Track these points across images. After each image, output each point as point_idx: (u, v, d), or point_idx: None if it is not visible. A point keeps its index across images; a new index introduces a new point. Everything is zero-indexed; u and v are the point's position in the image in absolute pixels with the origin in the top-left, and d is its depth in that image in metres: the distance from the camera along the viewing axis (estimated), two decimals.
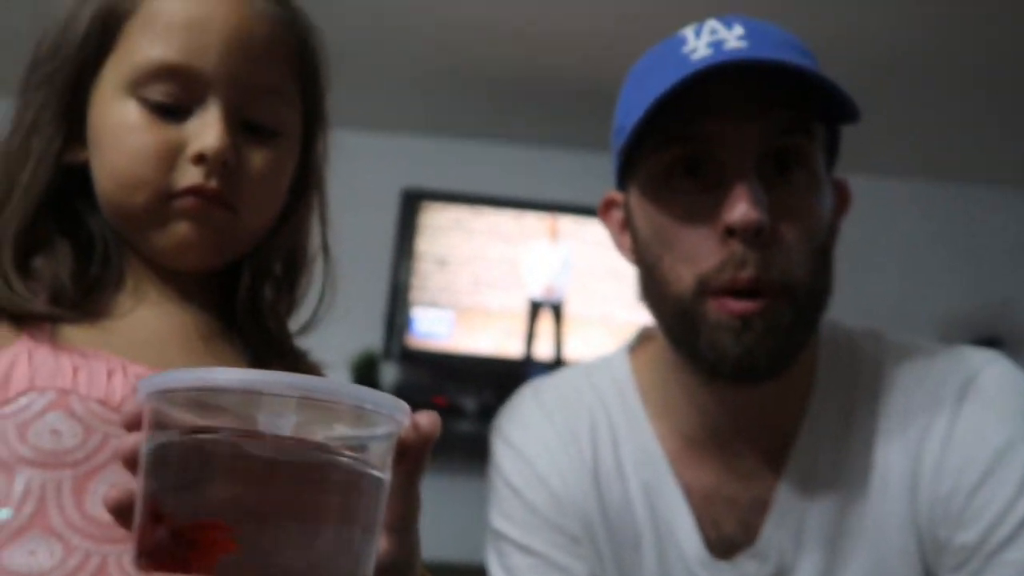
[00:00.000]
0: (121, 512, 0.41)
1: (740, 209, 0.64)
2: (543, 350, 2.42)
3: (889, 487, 0.72)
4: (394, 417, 0.39)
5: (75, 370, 0.56)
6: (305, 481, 0.37)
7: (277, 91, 0.63)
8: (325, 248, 0.72)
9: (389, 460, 0.40)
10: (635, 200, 0.74)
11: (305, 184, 0.69)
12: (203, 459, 0.36)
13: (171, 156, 0.60)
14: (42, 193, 0.61)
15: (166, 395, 0.37)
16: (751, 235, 0.65)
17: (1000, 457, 0.68)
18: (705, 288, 0.67)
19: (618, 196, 0.78)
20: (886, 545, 0.71)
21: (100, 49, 0.61)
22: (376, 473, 0.39)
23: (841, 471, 0.73)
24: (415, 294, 2.45)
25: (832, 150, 0.74)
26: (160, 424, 0.38)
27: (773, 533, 0.73)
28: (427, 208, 2.49)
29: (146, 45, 0.60)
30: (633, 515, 0.76)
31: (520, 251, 2.50)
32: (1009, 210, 2.65)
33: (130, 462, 0.40)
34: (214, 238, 0.62)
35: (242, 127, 0.62)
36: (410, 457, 0.43)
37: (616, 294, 2.40)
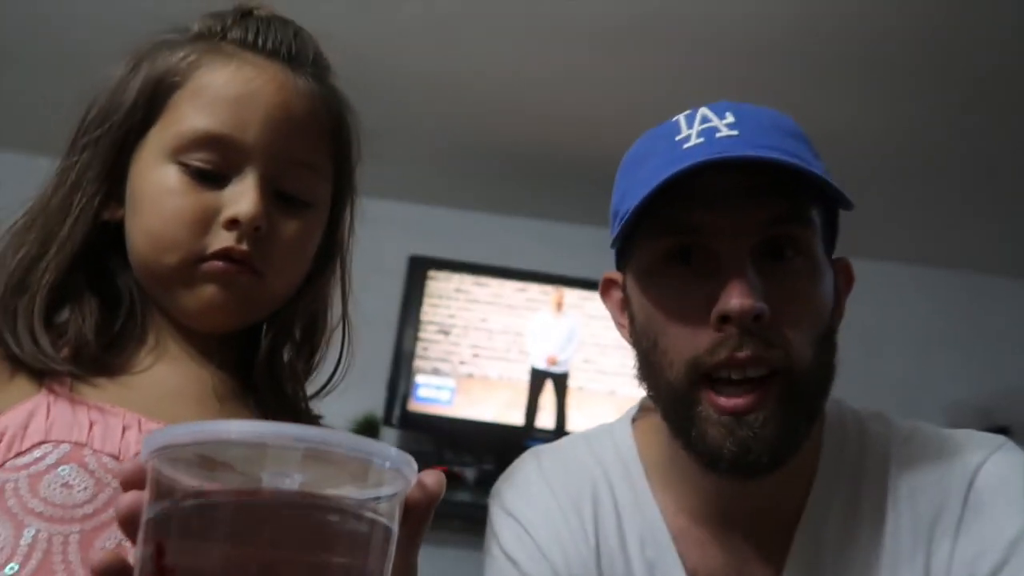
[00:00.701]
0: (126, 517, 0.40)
1: (736, 298, 0.64)
2: (545, 421, 2.40)
3: (900, 570, 0.70)
4: (402, 473, 0.38)
5: (91, 424, 0.57)
6: (311, 542, 0.36)
7: (311, 165, 0.66)
8: (345, 315, 0.73)
9: (397, 517, 0.39)
10: (631, 284, 0.74)
11: (330, 252, 0.72)
12: (206, 523, 0.35)
13: (206, 220, 0.62)
14: (78, 248, 0.63)
15: (169, 451, 0.36)
16: (748, 321, 0.64)
17: (1014, 547, 0.67)
18: (698, 371, 0.66)
19: (617, 276, 0.78)
20: None
21: (147, 116, 0.64)
22: (385, 524, 0.38)
23: (847, 556, 0.71)
24: (419, 361, 2.44)
25: (831, 231, 0.74)
26: (162, 484, 0.36)
27: None
28: (434, 276, 2.50)
29: (192, 115, 0.63)
30: None
31: (524, 322, 2.50)
32: (1016, 300, 2.65)
33: (127, 522, 0.39)
34: (239, 301, 0.64)
35: (275, 197, 0.64)
36: (414, 517, 0.42)
37: (621, 368, 2.39)
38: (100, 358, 0.61)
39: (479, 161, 2.39)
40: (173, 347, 0.65)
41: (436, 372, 2.44)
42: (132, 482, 0.39)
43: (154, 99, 0.64)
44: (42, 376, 0.59)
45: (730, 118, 0.69)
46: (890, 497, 0.72)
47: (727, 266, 0.66)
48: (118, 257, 0.66)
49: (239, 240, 0.62)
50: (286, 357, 0.70)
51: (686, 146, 0.68)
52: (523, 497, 0.78)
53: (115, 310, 0.65)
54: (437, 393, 2.42)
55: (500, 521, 0.78)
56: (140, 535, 0.37)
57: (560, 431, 2.33)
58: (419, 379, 2.43)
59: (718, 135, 0.68)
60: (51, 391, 0.58)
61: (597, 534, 0.75)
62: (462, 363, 2.46)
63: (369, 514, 0.37)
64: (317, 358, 0.72)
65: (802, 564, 0.72)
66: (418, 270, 2.50)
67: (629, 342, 0.76)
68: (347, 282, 0.74)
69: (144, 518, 0.37)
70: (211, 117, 0.62)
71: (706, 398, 0.66)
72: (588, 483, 0.78)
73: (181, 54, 0.65)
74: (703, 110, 0.71)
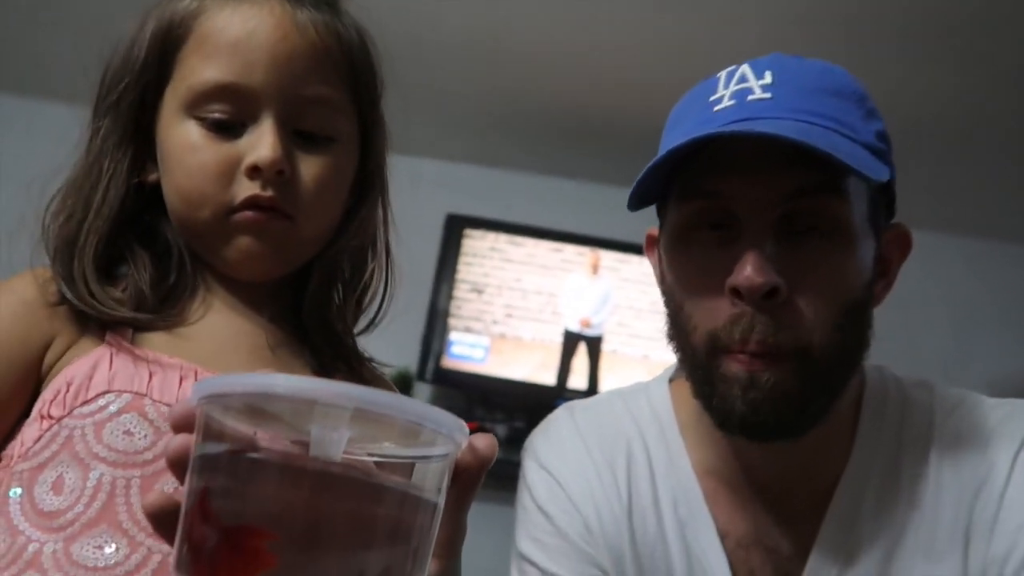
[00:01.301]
0: (159, 518, 0.41)
1: (746, 272, 0.63)
2: (577, 383, 2.41)
3: (938, 542, 0.69)
4: (452, 437, 0.38)
5: (151, 375, 0.59)
6: (355, 503, 0.35)
7: (326, 100, 0.65)
8: (387, 249, 0.73)
9: (445, 483, 0.39)
10: (663, 246, 0.74)
11: (367, 186, 0.71)
12: (251, 473, 0.36)
13: (230, 171, 0.62)
14: (116, 211, 0.64)
15: (220, 399, 0.37)
16: (758, 298, 0.64)
17: None
18: (716, 345, 0.66)
19: (658, 233, 0.78)
20: None
21: (160, 74, 0.64)
22: (429, 497, 0.37)
23: (886, 522, 0.71)
24: (452, 319, 2.46)
25: (883, 197, 0.71)
26: (211, 431, 0.37)
27: None
28: (470, 235, 2.51)
29: (199, 67, 0.62)
30: (667, 552, 0.74)
31: (559, 283, 2.50)
32: None
33: (175, 463, 0.40)
34: (275, 249, 0.64)
35: (295, 137, 0.64)
36: (464, 480, 0.42)
37: (655, 333, 2.38)
38: (157, 310, 0.63)
39: (518, 121, 2.37)
40: (223, 299, 0.66)
41: (469, 330, 2.46)
42: (182, 425, 0.40)
43: (164, 55, 0.64)
44: (105, 330, 0.61)
45: (768, 78, 0.67)
46: (932, 466, 0.71)
47: (746, 237, 0.65)
48: (164, 215, 0.67)
49: (264, 187, 0.62)
50: (336, 299, 0.70)
51: (716, 108, 0.67)
52: (557, 451, 0.79)
53: (167, 265, 0.66)
54: (471, 351, 2.44)
55: (533, 474, 0.79)
56: (188, 477, 0.38)
57: (592, 393, 2.34)
58: (453, 336, 2.45)
59: (750, 98, 0.66)
60: (113, 344, 0.60)
61: (630, 491, 0.76)
62: (495, 322, 2.48)
63: (416, 480, 0.37)
64: (368, 294, 0.72)
65: (837, 531, 0.71)
66: (455, 228, 2.50)
67: (665, 305, 0.76)
68: (387, 213, 0.74)
69: (192, 461, 0.38)
70: (216, 67, 0.62)
71: (726, 359, 0.66)
72: (623, 440, 0.78)
73: (184, 2, 0.64)
74: (744, 67, 0.69)
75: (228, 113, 0.62)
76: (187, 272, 0.66)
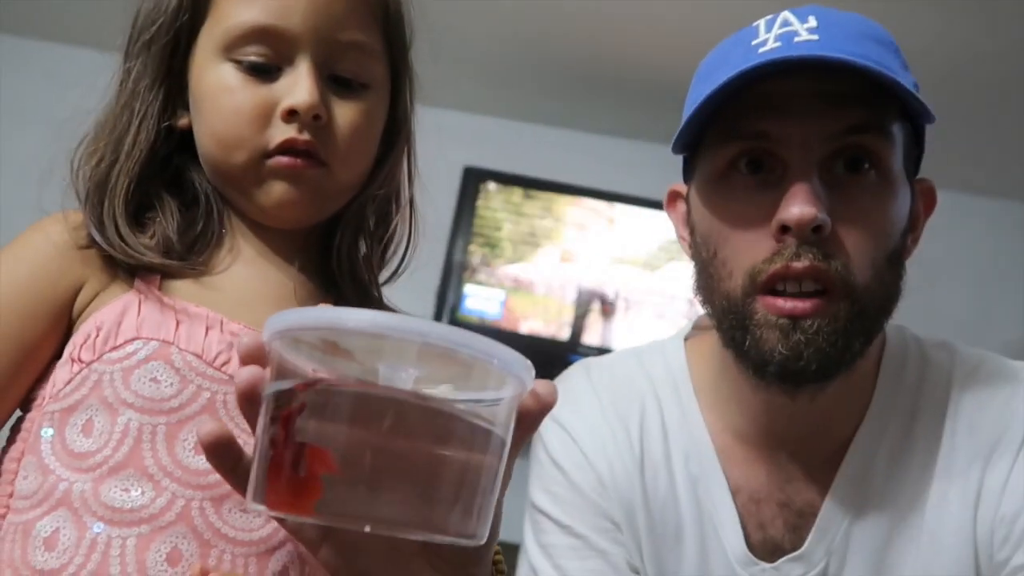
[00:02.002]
0: (213, 449, 0.42)
1: (796, 206, 0.62)
2: (591, 338, 2.42)
3: (949, 500, 0.70)
4: (520, 378, 0.38)
5: (177, 323, 0.59)
6: (430, 434, 0.36)
7: (362, 46, 0.65)
8: (411, 199, 0.74)
9: (512, 423, 0.39)
10: (695, 194, 0.73)
11: (395, 136, 0.71)
12: (325, 403, 0.36)
13: (265, 114, 0.62)
14: (146, 154, 0.64)
15: (292, 333, 0.37)
16: (807, 233, 0.63)
17: None
18: (755, 282, 0.65)
19: (682, 188, 0.77)
20: (939, 558, 0.69)
21: (194, 16, 0.64)
22: (500, 433, 0.38)
23: (897, 480, 0.71)
24: (468, 272, 2.46)
25: (916, 149, 0.71)
26: (285, 364, 0.37)
27: (820, 539, 0.72)
28: (487, 188, 2.49)
29: (236, 9, 0.62)
30: (677, 508, 0.75)
31: (575, 237, 2.49)
32: None
33: (245, 396, 0.40)
34: (310, 195, 0.64)
35: (330, 82, 0.64)
36: (524, 424, 0.42)
37: (668, 289, 2.37)
38: (184, 258, 0.63)
39: (536, 73, 2.34)
40: (251, 249, 0.66)
41: (485, 284, 2.46)
42: (250, 356, 0.40)
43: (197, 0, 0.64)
44: (133, 276, 0.62)
45: (812, 22, 0.66)
46: (948, 425, 0.71)
47: (792, 175, 0.64)
48: (192, 161, 0.67)
49: (300, 131, 0.62)
50: (362, 249, 0.71)
51: (761, 50, 0.65)
52: (572, 407, 0.79)
53: (194, 213, 0.66)
54: (485, 304, 2.45)
55: (548, 429, 0.80)
56: (263, 411, 0.38)
57: (606, 349, 2.35)
58: (467, 289, 2.45)
59: (796, 39, 0.65)
60: (142, 290, 0.61)
61: (642, 447, 0.77)
62: (510, 276, 2.48)
63: (486, 414, 0.37)
64: (392, 245, 0.73)
65: (849, 486, 0.72)
66: (472, 181, 2.49)
67: (688, 255, 0.75)
68: (412, 164, 0.74)
69: (265, 394, 0.38)
70: (255, 8, 0.62)
71: (763, 303, 0.65)
72: (636, 398, 0.78)
73: None
74: (785, 13, 0.67)
75: (265, 56, 0.62)
76: (214, 220, 0.66)
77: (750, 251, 0.66)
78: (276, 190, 0.63)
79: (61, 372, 0.59)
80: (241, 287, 0.64)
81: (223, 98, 0.62)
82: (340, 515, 0.36)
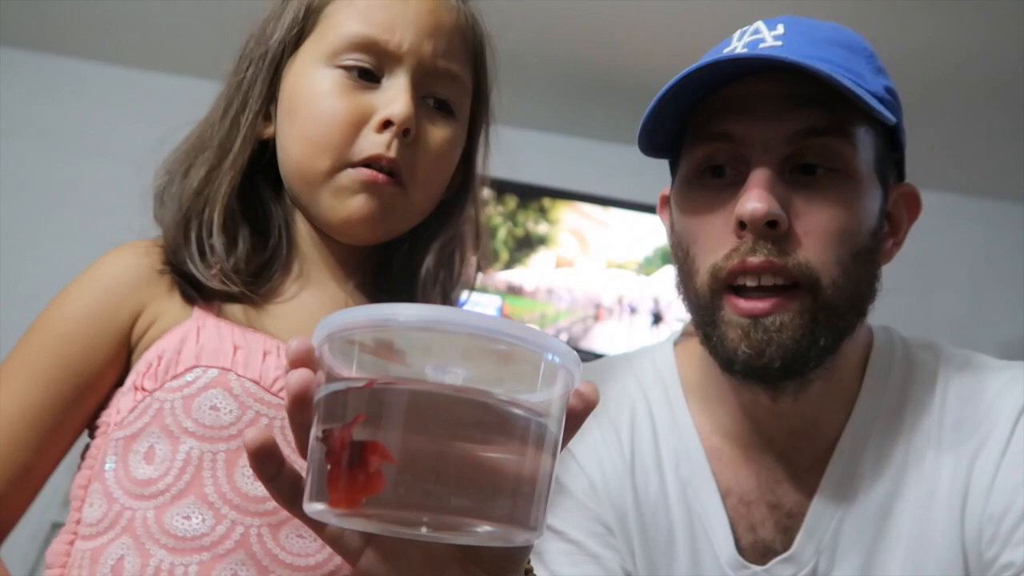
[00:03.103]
0: (259, 455, 0.42)
1: (750, 202, 0.64)
2: (587, 343, 2.42)
3: (936, 499, 0.70)
4: (570, 370, 0.38)
5: (235, 349, 0.60)
6: (482, 431, 0.36)
7: (456, 76, 0.68)
8: (477, 232, 0.77)
9: (564, 419, 0.39)
10: (673, 197, 0.75)
11: (468, 174, 0.74)
12: (380, 403, 0.36)
13: (360, 122, 0.63)
14: (245, 165, 0.66)
15: (344, 334, 0.37)
16: (762, 228, 0.64)
17: None
18: (717, 278, 0.66)
19: (670, 192, 0.78)
20: (927, 554, 0.69)
21: (302, 30, 0.67)
22: (553, 429, 0.38)
23: (885, 479, 0.72)
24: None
25: (893, 151, 0.72)
26: (334, 366, 0.38)
27: (809, 539, 0.72)
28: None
29: (347, 21, 0.65)
30: (668, 511, 0.75)
31: (570, 242, 2.49)
32: None
33: (297, 399, 0.40)
34: (384, 212, 0.65)
35: (423, 103, 0.66)
36: (569, 424, 0.42)
37: (664, 294, 2.38)
38: (249, 283, 0.64)
39: (531, 79, 2.34)
40: (313, 268, 0.68)
41: (479, 289, 2.46)
42: (299, 360, 0.41)
43: (309, 14, 0.67)
44: (194, 300, 0.63)
45: (780, 30, 0.68)
46: (934, 426, 0.72)
47: (752, 173, 0.66)
48: (268, 185, 0.68)
49: (388, 147, 0.63)
50: (423, 272, 0.72)
51: (725, 51, 0.68)
52: None
53: (264, 239, 0.67)
54: (480, 310, 2.45)
55: None
56: (318, 413, 0.38)
57: (601, 354, 2.35)
58: (463, 295, 2.45)
59: (762, 45, 0.67)
60: (201, 317, 0.62)
61: (633, 453, 0.77)
62: (505, 282, 2.47)
63: (540, 410, 0.37)
64: (455, 279, 0.75)
65: (837, 486, 0.72)
66: None
67: (673, 258, 0.76)
68: (479, 199, 0.77)
69: (317, 395, 0.38)
70: (365, 21, 0.64)
71: (728, 302, 0.66)
72: (627, 402, 0.79)
73: None
74: (757, 23, 0.69)
75: (368, 63, 0.64)
76: (283, 249, 0.67)
77: (713, 249, 0.67)
78: (353, 203, 0.64)
79: (125, 400, 0.60)
80: (298, 313, 0.65)
81: (320, 102, 0.64)
82: (402, 512, 0.35)
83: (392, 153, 0.63)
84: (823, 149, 0.66)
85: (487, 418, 0.36)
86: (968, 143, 2.29)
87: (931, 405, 0.72)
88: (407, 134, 0.63)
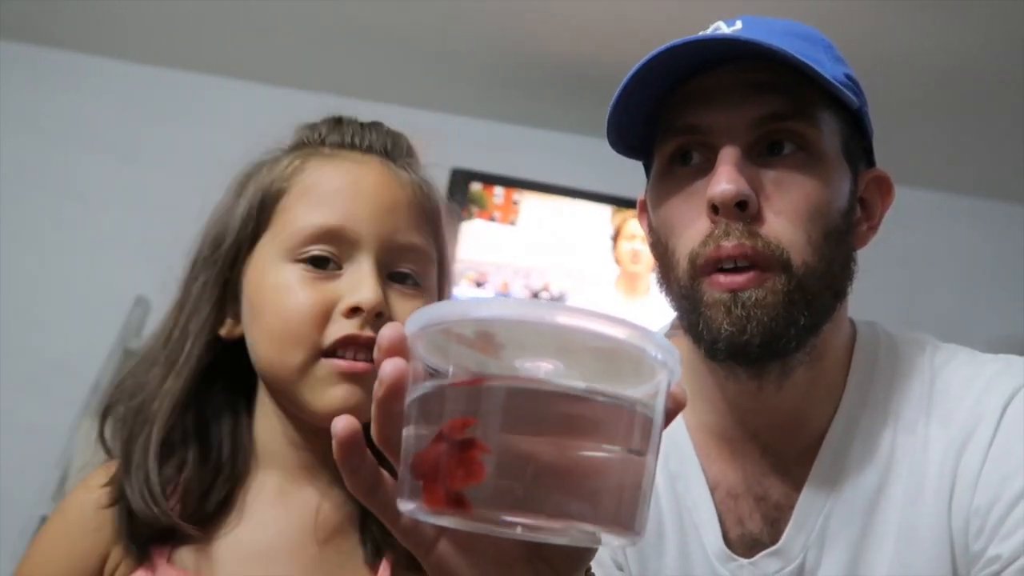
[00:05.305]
0: (348, 443, 0.41)
1: (719, 184, 0.65)
2: None
3: (924, 492, 0.70)
4: (668, 365, 0.37)
5: None
6: (583, 428, 0.35)
7: (418, 248, 0.67)
8: None
9: (663, 409, 0.38)
10: (649, 195, 0.76)
11: None
12: (478, 399, 0.35)
13: (326, 311, 0.63)
14: (194, 371, 0.65)
15: (441, 327, 0.36)
16: (733, 209, 0.65)
17: None
18: (695, 265, 0.68)
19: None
20: (915, 548, 0.70)
21: (256, 227, 0.66)
22: (659, 422, 0.37)
23: (872, 472, 0.72)
24: (457, 273, 2.46)
25: (859, 136, 0.73)
26: (428, 361, 0.37)
27: (797, 532, 0.72)
28: (475, 190, 2.49)
29: (303, 213, 0.65)
30: (658, 505, 0.76)
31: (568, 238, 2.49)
32: None
33: (391, 390, 0.40)
34: (368, 399, 0.63)
35: (388, 280, 0.65)
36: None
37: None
38: (196, 515, 0.63)
39: (524, 76, 2.34)
40: (277, 476, 0.66)
41: (477, 284, 2.46)
42: (393, 348, 0.39)
43: (262, 209, 0.67)
44: (143, 548, 0.62)
45: (738, 24, 0.69)
46: (921, 418, 0.72)
47: (719, 158, 0.67)
48: (227, 390, 0.68)
49: (361, 327, 0.62)
50: None
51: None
52: None
53: (212, 463, 0.66)
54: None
55: None
56: (413, 409, 0.37)
57: None
58: (457, 292, 2.45)
59: (719, 33, 0.69)
60: (159, 557, 0.62)
61: None
62: (500, 278, 2.48)
63: (644, 409, 0.37)
64: None
65: (824, 479, 0.73)
66: (460, 183, 2.49)
67: (653, 256, 0.77)
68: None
69: (414, 392, 0.37)
70: (322, 211, 0.64)
71: (707, 282, 0.67)
72: None
73: (284, 163, 0.68)
74: (717, 22, 0.71)
75: (328, 252, 0.64)
76: (236, 465, 0.66)
77: (691, 236, 0.68)
78: (336, 394, 0.62)
79: None
80: (253, 542, 0.64)
81: (284, 297, 0.63)
82: (500, 511, 0.34)
83: (368, 333, 0.62)
84: (787, 132, 0.68)
85: (593, 416, 0.35)
86: (958, 142, 2.30)
87: (919, 398, 0.73)
88: (379, 316, 0.62)
